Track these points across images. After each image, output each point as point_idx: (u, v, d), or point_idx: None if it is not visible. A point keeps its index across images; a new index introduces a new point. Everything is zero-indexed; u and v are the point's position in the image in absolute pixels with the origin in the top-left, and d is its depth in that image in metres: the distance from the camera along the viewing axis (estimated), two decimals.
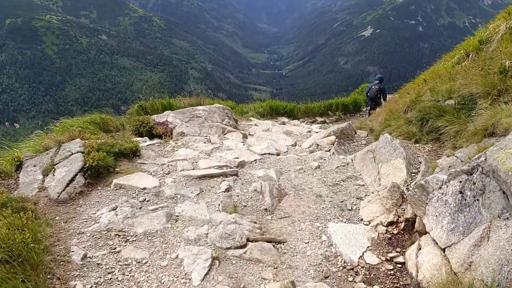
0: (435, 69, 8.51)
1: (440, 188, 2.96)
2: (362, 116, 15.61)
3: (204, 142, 5.93)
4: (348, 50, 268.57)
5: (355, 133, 7.35)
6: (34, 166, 4.40)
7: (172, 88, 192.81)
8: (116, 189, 4.16)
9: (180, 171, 4.62)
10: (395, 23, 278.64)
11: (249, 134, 7.09)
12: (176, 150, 5.51)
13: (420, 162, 4.68)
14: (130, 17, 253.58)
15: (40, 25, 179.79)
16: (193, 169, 4.71)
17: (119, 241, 3.26)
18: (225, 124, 6.63)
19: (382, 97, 13.03)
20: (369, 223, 3.73)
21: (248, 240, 3.25)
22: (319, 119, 13.34)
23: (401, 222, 3.56)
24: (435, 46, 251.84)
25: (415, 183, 3.58)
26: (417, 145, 5.39)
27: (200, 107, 6.82)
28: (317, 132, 8.91)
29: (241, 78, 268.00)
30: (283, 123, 9.87)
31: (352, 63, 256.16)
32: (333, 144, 6.10)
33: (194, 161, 5.01)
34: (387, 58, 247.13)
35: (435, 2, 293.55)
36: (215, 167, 4.70)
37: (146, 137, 6.42)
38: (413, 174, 4.35)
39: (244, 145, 5.92)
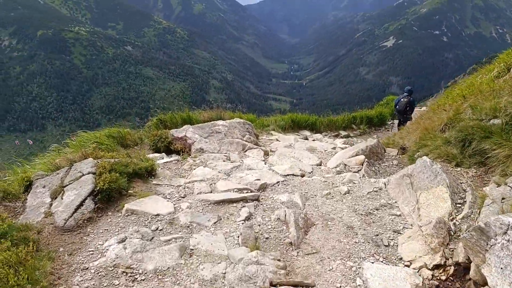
0: (473, 83, 7.92)
1: (505, 233, 2.45)
2: (388, 130, 14.97)
3: (224, 160, 5.57)
4: (370, 61, 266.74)
5: (385, 151, 6.84)
6: (44, 187, 4.13)
7: (193, 97, 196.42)
8: (128, 215, 3.81)
9: (197, 194, 4.25)
10: (418, 33, 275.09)
11: (271, 151, 6.69)
12: (194, 169, 5.17)
13: (465, 190, 4.14)
14: (155, 29, 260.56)
15: (69, 37, 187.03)
16: (211, 192, 4.33)
17: (126, 280, 2.88)
18: (246, 140, 6.25)
19: (411, 110, 12.57)
20: (410, 263, 3.23)
21: (271, 284, 2.81)
22: (343, 132, 12.83)
23: (450, 265, 3.04)
24: (460, 57, 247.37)
25: (471, 227, 3.07)
26: (459, 169, 4.83)
27: (220, 122, 6.49)
28: (342, 148, 8.42)
29: (260, 88, 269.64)
30: (306, 138, 9.42)
31: (373, 73, 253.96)
32: (362, 165, 5.61)
33: (212, 182, 4.64)
34: (410, 69, 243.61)
35: (460, 12, 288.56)
36: (235, 190, 4.30)
37: (163, 153, 6.12)
38: (458, 205, 3.83)
39: (265, 164, 5.52)
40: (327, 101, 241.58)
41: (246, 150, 5.99)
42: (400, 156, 6.77)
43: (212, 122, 6.54)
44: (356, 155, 5.94)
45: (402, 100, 12.57)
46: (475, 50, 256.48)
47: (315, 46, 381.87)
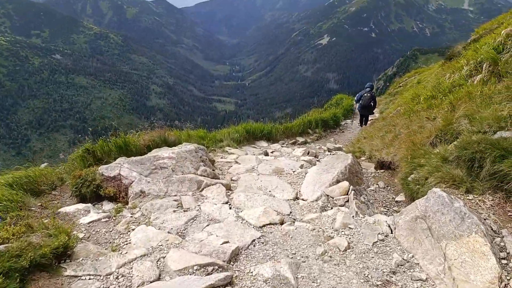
0: (440, 84, 7.28)
1: None
2: (343, 132, 14.38)
3: (174, 209, 4.14)
4: (308, 58, 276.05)
5: (360, 166, 5.89)
6: None
7: (133, 104, 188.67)
8: None
9: (138, 287, 2.81)
10: (349, 31, 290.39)
11: (232, 180, 5.39)
12: (133, 230, 3.69)
13: (497, 232, 3.20)
14: (85, 35, 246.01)
15: None
16: (159, 278, 2.91)
17: None
18: (201, 174, 4.89)
19: (375, 105, 13.17)
20: None
21: None
22: (300, 139, 11.94)
23: None
24: (388, 51, 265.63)
25: None
26: (471, 196, 3.93)
27: (165, 154, 5.00)
28: (307, 162, 7.40)
29: (204, 90, 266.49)
30: (266, 154, 8.25)
31: (312, 70, 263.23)
32: (348, 194, 4.57)
33: (160, 255, 3.18)
34: (344, 65, 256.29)
35: (385, 9, 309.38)
36: (195, 269, 2.93)
37: (89, 204, 4.53)
38: (503, 261, 2.86)
39: (231, 208, 4.19)
40: (270, 99, 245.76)
41: (203, 189, 4.62)
42: (379, 172, 5.84)
43: (155, 154, 5.00)
44: (337, 181, 4.86)
45: (365, 95, 12.96)
46: (400, 45, 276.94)
47: (254, 47, 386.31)
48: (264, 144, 10.45)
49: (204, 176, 4.86)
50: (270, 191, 4.86)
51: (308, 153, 9.73)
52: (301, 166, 6.47)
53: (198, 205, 4.24)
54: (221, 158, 7.02)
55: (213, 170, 5.27)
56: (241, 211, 4.12)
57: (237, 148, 8.79)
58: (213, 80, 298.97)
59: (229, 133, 9.66)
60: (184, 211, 4.12)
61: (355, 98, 14.35)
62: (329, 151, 10.88)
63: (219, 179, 4.99)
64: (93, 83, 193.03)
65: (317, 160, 9.00)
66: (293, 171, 6.03)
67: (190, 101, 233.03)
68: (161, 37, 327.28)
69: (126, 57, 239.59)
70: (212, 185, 4.60)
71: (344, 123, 15.67)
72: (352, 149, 8.48)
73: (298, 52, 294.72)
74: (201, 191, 4.59)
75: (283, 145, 11.00)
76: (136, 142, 6.72)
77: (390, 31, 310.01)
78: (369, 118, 14.70)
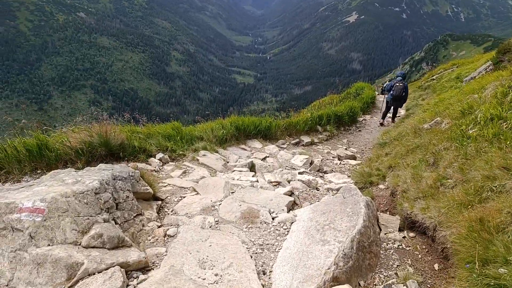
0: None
1: None
2: (360, 130, 12.02)
3: None
4: (333, 36, 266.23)
5: (377, 222, 3.76)
6: None
7: (153, 69, 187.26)
8: None
9: None
10: (379, 10, 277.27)
11: (157, 244, 3.17)
12: None
13: None
14: None
15: (13, 0, 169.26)
16: None
17: None
18: (88, 244, 2.63)
19: (407, 95, 12.23)
20: None
21: None
22: (305, 138, 9.81)
23: None
24: (417, 34, 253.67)
25: None
26: None
27: (24, 206, 2.71)
28: (303, 184, 5.36)
29: (224, 61, 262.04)
30: (251, 166, 6.13)
31: (336, 48, 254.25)
32: None
33: None
34: (370, 45, 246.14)
35: None
36: None
37: None
38: None
39: None
40: (290, 75, 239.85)
41: (77, 281, 2.49)
42: (407, 237, 3.68)
43: (7, 204, 2.82)
44: (334, 278, 2.74)
45: (397, 84, 11.97)
46: (432, 28, 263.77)
47: (279, 19, 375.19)
48: (257, 145, 8.32)
49: (94, 247, 2.73)
50: (214, 281, 2.76)
51: (311, 164, 7.59)
52: (290, 206, 4.35)
53: None
54: (179, 177, 4.93)
55: (126, 223, 3.12)
56: None
57: (216, 153, 6.69)
58: (234, 51, 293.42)
59: (212, 129, 7.54)
60: None
61: (385, 87, 13.31)
62: (339, 159, 8.70)
63: (129, 246, 2.90)
64: (115, 44, 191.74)
65: (321, 177, 6.86)
66: (273, 217, 3.92)
67: (210, 71, 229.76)
68: (185, 1, 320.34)
69: (149, 20, 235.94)
70: (99, 272, 2.53)
71: (362, 119, 13.27)
72: (368, 170, 6.26)
73: (324, 28, 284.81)
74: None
75: (282, 146, 8.88)
76: (60, 144, 4.71)
77: (422, 13, 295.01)
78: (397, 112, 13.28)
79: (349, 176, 6.88)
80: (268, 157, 7.59)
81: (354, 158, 8.93)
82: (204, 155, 6.19)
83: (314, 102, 18.97)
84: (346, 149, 9.89)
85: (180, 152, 6.06)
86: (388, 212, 4.97)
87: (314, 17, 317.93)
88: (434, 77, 17.67)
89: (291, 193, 5.04)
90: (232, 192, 4.42)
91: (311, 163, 7.61)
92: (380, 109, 15.20)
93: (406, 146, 5.97)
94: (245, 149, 7.83)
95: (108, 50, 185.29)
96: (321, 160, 8.33)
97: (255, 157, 7.30)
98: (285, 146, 8.96)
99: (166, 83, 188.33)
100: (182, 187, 4.49)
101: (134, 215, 3.24)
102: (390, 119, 13.12)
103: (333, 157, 8.87)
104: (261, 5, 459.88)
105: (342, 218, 3.50)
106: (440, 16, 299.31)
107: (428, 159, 4.63)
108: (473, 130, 4.54)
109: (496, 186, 3.06)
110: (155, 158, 5.36)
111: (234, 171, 5.72)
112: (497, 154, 3.39)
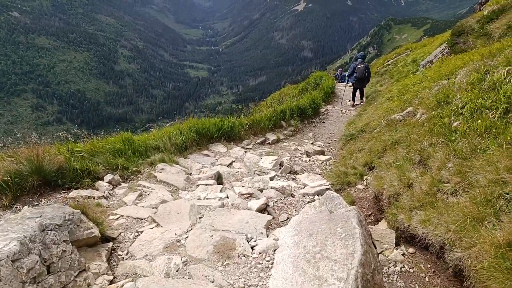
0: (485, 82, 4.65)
1: None
2: (323, 122, 11.70)
3: None
4: (283, 25, 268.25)
5: (375, 247, 3.30)
6: None
7: (100, 68, 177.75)
8: None
9: None
10: None
11: None
12: None
13: None
14: None
15: None
16: None
17: None
18: None
19: (369, 76, 12.64)
20: None
21: None
22: (271, 136, 9.29)
23: None
24: (363, 20, 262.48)
25: None
26: None
27: None
28: (278, 191, 4.87)
29: (176, 55, 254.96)
30: (217, 178, 5.46)
31: (287, 38, 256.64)
32: None
33: None
34: (319, 33, 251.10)
35: None
36: None
37: None
38: None
39: None
40: (244, 67, 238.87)
41: None
42: (406, 253, 3.24)
43: None
44: None
45: (359, 66, 12.32)
46: (375, 14, 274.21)
47: (228, 10, 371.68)
48: (221, 148, 7.64)
49: None
50: None
51: (280, 165, 7.06)
52: (268, 226, 3.75)
53: None
54: (135, 202, 4.12)
55: None
56: None
57: (176, 164, 5.93)
58: (185, 45, 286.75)
59: (169, 136, 6.75)
60: None
61: (348, 71, 13.68)
62: (307, 156, 8.26)
63: None
64: (55, 44, 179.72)
65: (294, 179, 6.34)
66: (253, 246, 3.30)
67: (162, 67, 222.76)
68: None
69: (91, 17, 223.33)
70: None
71: (324, 109, 12.97)
72: (343, 169, 5.83)
73: (274, 17, 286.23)
74: None
75: (248, 147, 8.28)
76: None
77: None
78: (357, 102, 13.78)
79: (323, 177, 6.43)
80: (234, 161, 6.95)
81: (322, 153, 8.54)
82: (162, 169, 5.42)
83: (273, 94, 18.56)
84: (312, 143, 9.51)
85: (134, 169, 5.24)
86: (372, 217, 4.56)
87: (264, 7, 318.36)
88: (389, 62, 17.84)
89: (266, 206, 4.46)
90: (200, 218, 3.75)
91: (281, 164, 7.08)
92: (340, 98, 15.09)
93: (382, 142, 5.58)
94: (209, 155, 7.13)
95: (49, 51, 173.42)
96: (290, 159, 7.85)
97: (221, 164, 6.63)
98: (250, 146, 8.37)
99: (115, 82, 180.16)
100: (139, 218, 3.72)
101: (75, 274, 2.47)
102: (358, 102, 13.77)
103: (301, 153, 8.43)
104: None
105: (335, 242, 2.97)
106: (382, 1, 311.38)
107: (413, 158, 4.23)
108: (458, 122, 4.19)
109: (508, 193, 2.65)
110: (103, 180, 4.49)
111: (199, 185, 5.03)
112: (500, 153, 3.00)
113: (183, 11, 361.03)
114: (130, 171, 5.13)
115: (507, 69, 4.31)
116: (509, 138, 3.14)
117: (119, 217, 3.70)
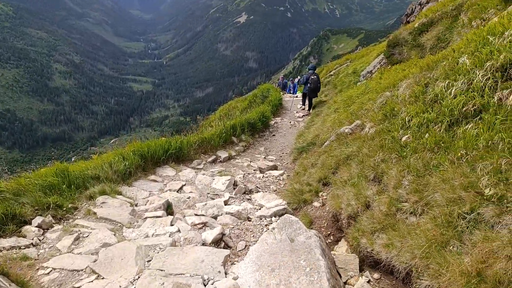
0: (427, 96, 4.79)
1: None
2: (274, 135, 11.68)
3: None
4: (227, 37, 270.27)
5: (340, 276, 3.16)
6: None
7: (32, 85, 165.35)
8: None
9: None
10: (266, 9, 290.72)
11: None
12: None
13: None
14: None
15: None
16: None
17: None
18: None
19: (320, 86, 13.61)
20: None
21: None
22: (222, 154, 9.03)
23: None
24: (302, 31, 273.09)
25: None
26: None
27: None
28: (234, 217, 4.62)
29: (116, 69, 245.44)
30: (168, 213, 5.06)
31: (231, 49, 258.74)
32: None
33: None
34: (262, 44, 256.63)
35: None
36: None
37: None
38: None
39: None
40: (190, 79, 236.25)
41: None
42: (372, 279, 3.12)
43: None
44: None
45: (313, 77, 13.02)
46: (314, 25, 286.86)
47: (170, 23, 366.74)
48: (170, 172, 7.21)
49: None
50: None
51: (234, 185, 6.80)
52: (225, 262, 3.46)
53: None
54: (70, 248, 3.56)
55: None
56: None
57: (120, 195, 5.40)
58: (126, 58, 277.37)
59: (110, 163, 6.19)
60: None
61: (301, 80, 14.54)
62: (260, 172, 8.09)
63: None
64: None
65: (249, 200, 6.12)
66: None
67: (102, 81, 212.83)
68: (62, 9, 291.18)
69: (20, 31, 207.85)
70: None
71: (273, 122, 12.99)
72: (298, 187, 5.72)
73: (217, 29, 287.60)
74: None
75: (199, 167, 7.93)
76: None
77: (304, 11, 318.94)
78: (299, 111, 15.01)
79: (278, 194, 6.28)
80: (185, 185, 6.56)
81: (275, 168, 8.43)
82: (103, 202, 4.90)
83: (222, 106, 18.35)
84: (265, 158, 9.39)
85: (70, 206, 4.64)
86: (332, 237, 4.45)
87: (206, 19, 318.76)
88: (332, 73, 18.46)
89: (222, 235, 4.17)
90: (148, 261, 3.35)
91: (235, 183, 6.82)
92: (287, 109, 15.32)
93: (334, 157, 5.55)
94: (156, 180, 6.67)
95: None
96: (243, 176, 7.62)
97: (170, 189, 6.21)
98: (201, 166, 8.02)
99: (50, 100, 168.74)
100: (75, 270, 3.21)
101: None
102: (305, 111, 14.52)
103: (254, 170, 8.24)
104: (149, 9, 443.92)
105: (299, 278, 2.77)
106: (319, 13, 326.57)
107: (368, 174, 4.19)
108: (407, 136, 4.23)
109: (467, 213, 2.63)
110: (31, 225, 3.88)
111: (146, 218, 4.59)
112: (453, 170, 3.02)
113: (122, 24, 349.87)
114: (64, 209, 4.54)
115: (447, 82, 4.46)
116: (459, 154, 3.17)
117: (51, 270, 3.17)
